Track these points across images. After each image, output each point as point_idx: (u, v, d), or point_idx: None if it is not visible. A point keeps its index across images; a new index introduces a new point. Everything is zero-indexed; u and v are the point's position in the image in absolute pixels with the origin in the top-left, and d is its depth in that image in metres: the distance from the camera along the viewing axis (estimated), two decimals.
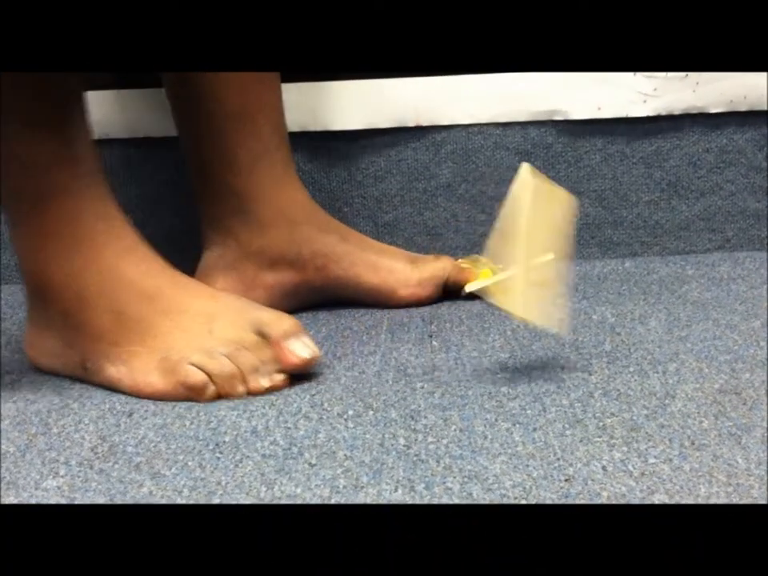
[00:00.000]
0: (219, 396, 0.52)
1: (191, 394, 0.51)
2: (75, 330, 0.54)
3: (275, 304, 0.66)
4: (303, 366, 0.53)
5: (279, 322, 0.54)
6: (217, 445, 0.46)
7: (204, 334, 0.53)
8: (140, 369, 0.52)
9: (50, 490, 0.41)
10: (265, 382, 0.52)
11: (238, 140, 0.66)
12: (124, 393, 0.53)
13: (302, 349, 0.53)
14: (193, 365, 0.51)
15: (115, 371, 0.53)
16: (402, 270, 0.69)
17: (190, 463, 0.44)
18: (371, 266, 0.69)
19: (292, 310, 0.67)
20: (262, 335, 0.53)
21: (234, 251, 0.68)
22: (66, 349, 0.55)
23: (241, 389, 0.52)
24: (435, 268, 0.70)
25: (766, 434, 0.44)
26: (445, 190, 0.84)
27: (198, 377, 0.51)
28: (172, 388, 0.52)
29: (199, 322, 0.53)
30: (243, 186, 0.67)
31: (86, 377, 0.55)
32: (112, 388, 0.54)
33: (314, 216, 0.69)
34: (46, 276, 0.54)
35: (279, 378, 0.53)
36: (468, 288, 0.68)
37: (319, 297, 0.70)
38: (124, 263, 0.54)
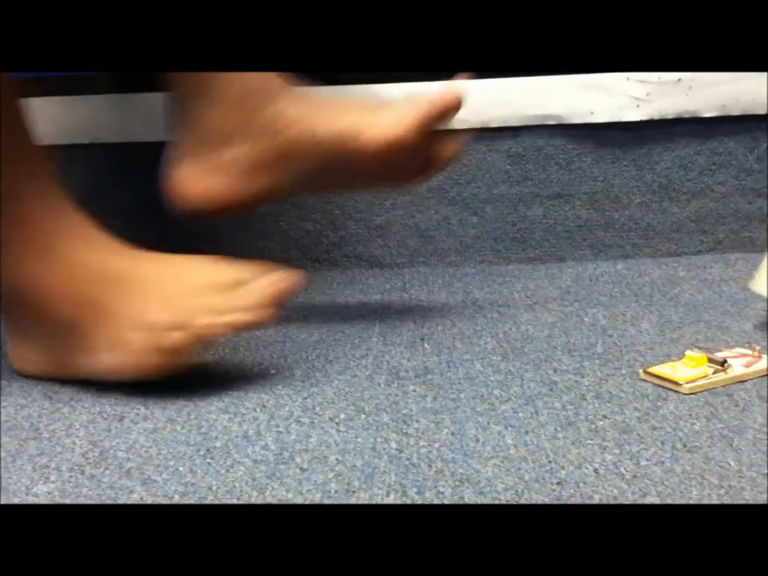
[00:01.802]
0: (201, 343, 0.51)
1: (179, 358, 0.51)
2: (49, 329, 0.54)
3: (236, 187, 0.63)
4: (285, 294, 0.52)
5: (247, 270, 0.53)
6: (208, 450, 0.45)
7: (175, 299, 0.52)
8: (123, 350, 0.52)
9: (41, 496, 0.41)
10: (246, 315, 0.51)
11: None
12: (109, 379, 0.53)
13: (277, 280, 0.52)
14: (171, 330, 0.51)
15: (95, 360, 0.53)
16: (366, 112, 0.60)
17: (180, 469, 0.43)
18: (332, 118, 0.60)
19: (255, 195, 0.63)
20: (234, 283, 0.52)
21: (188, 136, 0.64)
22: (47, 352, 0.55)
23: (219, 327, 0.51)
24: (404, 104, 0.59)
25: (758, 436, 0.44)
26: (436, 192, 0.84)
27: (178, 337, 0.51)
28: (157, 359, 0.51)
29: (170, 287, 0.52)
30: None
31: (71, 376, 0.55)
32: (97, 379, 0.54)
33: (268, 83, 0.63)
34: (13, 282, 0.54)
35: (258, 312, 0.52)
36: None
37: (284, 175, 0.63)
38: (80, 251, 0.54)
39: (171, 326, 0.51)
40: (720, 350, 0.54)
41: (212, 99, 0.63)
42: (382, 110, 0.59)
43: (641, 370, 0.53)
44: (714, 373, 0.51)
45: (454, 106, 0.59)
